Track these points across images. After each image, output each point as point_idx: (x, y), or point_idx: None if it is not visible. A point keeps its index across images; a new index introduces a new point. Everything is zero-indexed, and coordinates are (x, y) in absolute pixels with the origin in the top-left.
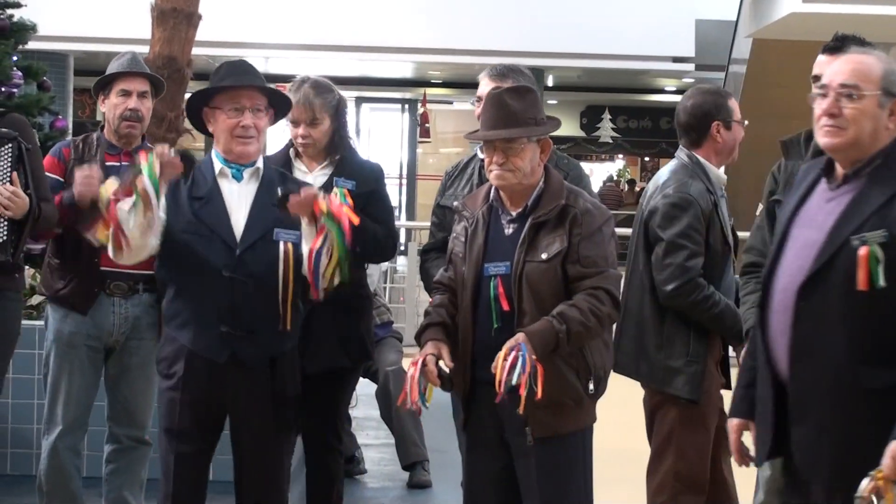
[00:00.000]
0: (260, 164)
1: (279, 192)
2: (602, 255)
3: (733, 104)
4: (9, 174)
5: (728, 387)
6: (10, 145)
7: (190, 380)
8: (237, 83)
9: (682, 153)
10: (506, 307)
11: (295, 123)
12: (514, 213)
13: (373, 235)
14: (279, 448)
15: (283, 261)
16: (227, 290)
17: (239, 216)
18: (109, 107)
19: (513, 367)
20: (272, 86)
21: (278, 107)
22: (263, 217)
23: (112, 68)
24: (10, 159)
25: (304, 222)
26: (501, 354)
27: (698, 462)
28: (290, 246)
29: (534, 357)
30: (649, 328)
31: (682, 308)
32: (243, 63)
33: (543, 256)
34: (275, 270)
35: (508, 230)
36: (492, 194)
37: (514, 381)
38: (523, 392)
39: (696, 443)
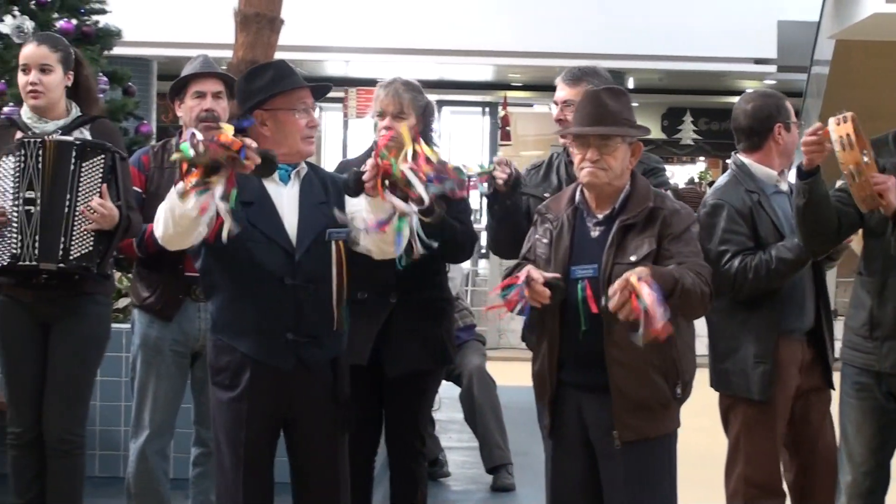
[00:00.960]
0: (302, 164)
1: (348, 178)
2: (694, 250)
3: (790, 106)
4: (99, 186)
5: (832, 386)
6: (102, 156)
7: (257, 390)
8: (301, 84)
9: (731, 161)
10: (594, 310)
11: (381, 115)
12: (600, 216)
13: (451, 232)
14: (341, 449)
15: (337, 261)
16: (290, 298)
17: (290, 220)
18: (185, 110)
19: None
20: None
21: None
22: (314, 219)
23: (185, 72)
24: (101, 170)
25: (370, 201)
26: (626, 280)
27: (767, 465)
28: (341, 244)
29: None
30: (716, 332)
31: (757, 291)
32: (287, 64)
33: (632, 258)
34: (329, 272)
35: (595, 233)
36: (577, 197)
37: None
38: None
39: (763, 447)
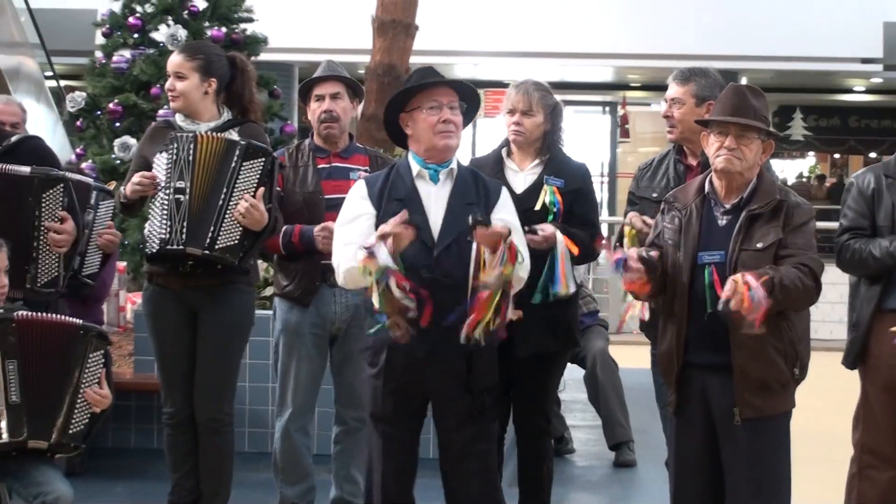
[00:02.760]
0: (454, 164)
1: (475, 216)
2: (808, 243)
3: None
4: (254, 186)
5: None
6: (262, 160)
7: (391, 370)
8: (433, 81)
9: None
10: (720, 294)
11: (511, 112)
12: (727, 206)
13: (580, 242)
14: (478, 434)
15: (476, 260)
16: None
17: (436, 217)
18: (310, 112)
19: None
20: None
21: (470, 103)
22: (458, 219)
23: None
24: (259, 173)
25: (486, 252)
26: (737, 282)
27: (877, 433)
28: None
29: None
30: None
31: (850, 271)
32: (431, 69)
33: (759, 246)
34: (467, 269)
35: (722, 221)
36: (706, 187)
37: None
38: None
39: (872, 413)
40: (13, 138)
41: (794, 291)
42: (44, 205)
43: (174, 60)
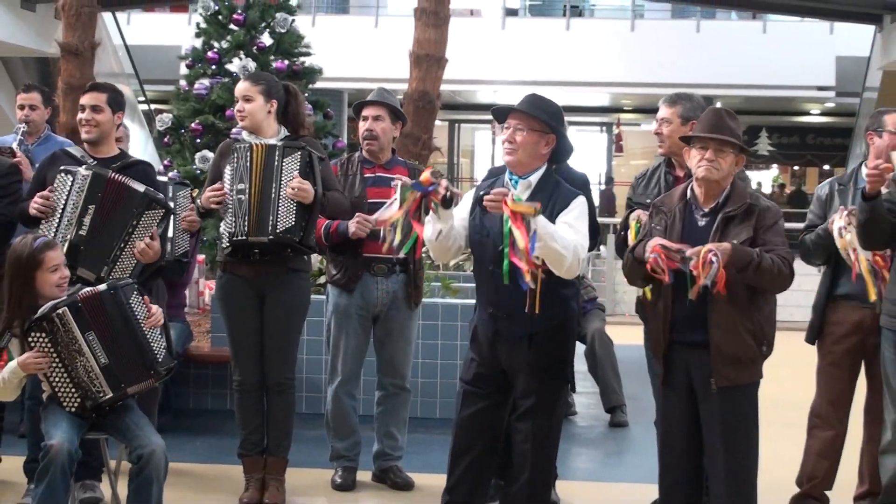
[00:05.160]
0: (533, 179)
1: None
2: (781, 240)
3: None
4: (295, 174)
5: None
6: (298, 153)
7: (474, 344)
8: (502, 107)
9: None
10: (699, 282)
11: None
12: (706, 209)
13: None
14: (539, 403)
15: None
16: (492, 282)
17: None
18: (359, 130)
19: (707, 263)
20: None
21: (555, 130)
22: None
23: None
24: (298, 163)
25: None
26: (704, 249)
27: (823, 399)
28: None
29: (722, 267)
30: None
31: (806, 259)
32: (534, 97)
33: (733, 243)
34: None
35: (701, 222)
36: (688, 193)
37: (709, 280)
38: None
39: (821, 383)
40: (131, 159)
41: (769, 273)
42: (142, 220)
43: (242, 86)
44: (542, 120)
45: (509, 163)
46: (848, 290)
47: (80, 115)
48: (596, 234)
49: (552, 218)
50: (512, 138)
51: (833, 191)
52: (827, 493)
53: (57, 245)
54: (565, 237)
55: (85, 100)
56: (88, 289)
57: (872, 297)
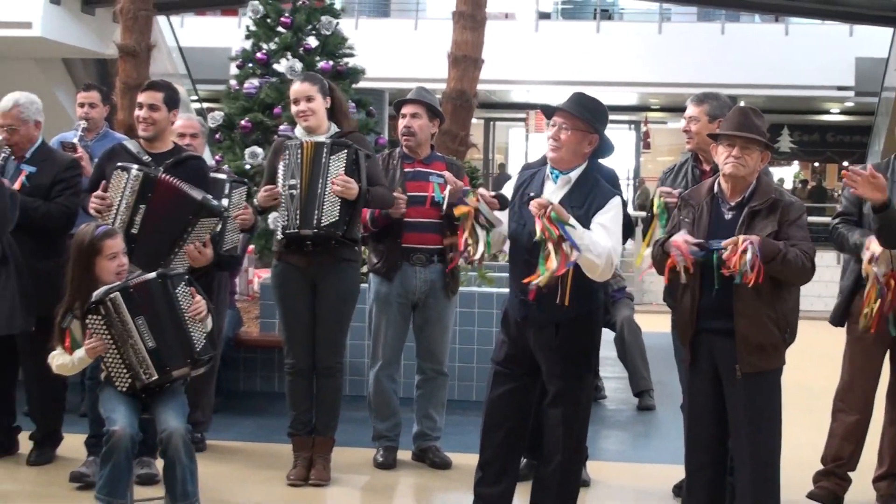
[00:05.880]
0: (573, 175)
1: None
2: (804, 235)
3: None
4: (341, 172)
5: None
6: (345, 151)
7: (505, 327)
8: (552, 107)
9: None
10: (726, 274)
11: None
12: (732, 203)
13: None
14: (567, 388)
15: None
16: (525, 269)
17: None
18: (398, 127)
19: (744, 252)
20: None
21: (598, 130)
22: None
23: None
24: (345, 161)
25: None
26: (740, 239)
27: (848, 384)
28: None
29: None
30: None
31: (837, 247)
32: (580, 96)
33: (761, 235)
34: None
35: (728, 216)
36: (715, 187)
37: (746, 267)
38: (752, 276)
39: (847, 366)
40: (183, 154)
41: (794, 266)
42: (197, 227)
43: (302, 87)
44: (586, 120)
45: (552, 159)
46: None
47: (137, 113)
48: (629, 231)
49: (588, 215)
50: (556, 136)
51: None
52: (850, 473)
53: (117, 234)
54: (599, 244)
55: (142, 98)
56: (140, 276)
57: (862, 324)
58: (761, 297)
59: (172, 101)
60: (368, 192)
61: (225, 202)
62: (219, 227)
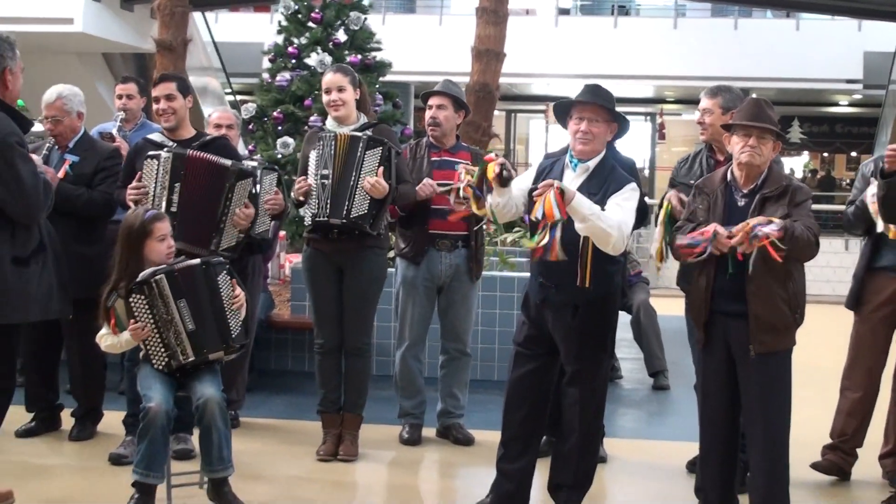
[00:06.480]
0: (592, 164)
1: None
2: (808, 215)
3: None
4: (376, 168)
5: None
6: (380, 148)
7: (525, 309)
8: (580, 100)
9: None
10: (739, 258)
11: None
12: (745, 190)
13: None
14: (584, 369)
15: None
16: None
17: None
18: (425, 118)
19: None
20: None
21: (620, 123)
22: None
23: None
24: (379, 157)
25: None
26: (752, 223)
27: (855, 363)
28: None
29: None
30: None
31: (849, 231)
32: (595, 87)
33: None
34: (577, 241)
35: (741, 203)
36: (728, 176)
37: (762, 232)
38: (767, 243)
39: (854, 347)
40: (208, 137)
41: (802, 241)
42: (236, 191)
43: (335, 77)
44: (610, 110)
45: (583, 151)
46: (887, 261)
47: (156, 107)
48: (644, 216)
49: (605, 199)
50: (589, 129)
51: (878, 167)
52: (857, 449)
53: (165, 217)
54: (610, 216)
55: (158, 91)
56: (184, 261)
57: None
58: (774, 279)
59: (185, 88)
60: (395, 189)
61: (258, 188)
62: (255, 189)
